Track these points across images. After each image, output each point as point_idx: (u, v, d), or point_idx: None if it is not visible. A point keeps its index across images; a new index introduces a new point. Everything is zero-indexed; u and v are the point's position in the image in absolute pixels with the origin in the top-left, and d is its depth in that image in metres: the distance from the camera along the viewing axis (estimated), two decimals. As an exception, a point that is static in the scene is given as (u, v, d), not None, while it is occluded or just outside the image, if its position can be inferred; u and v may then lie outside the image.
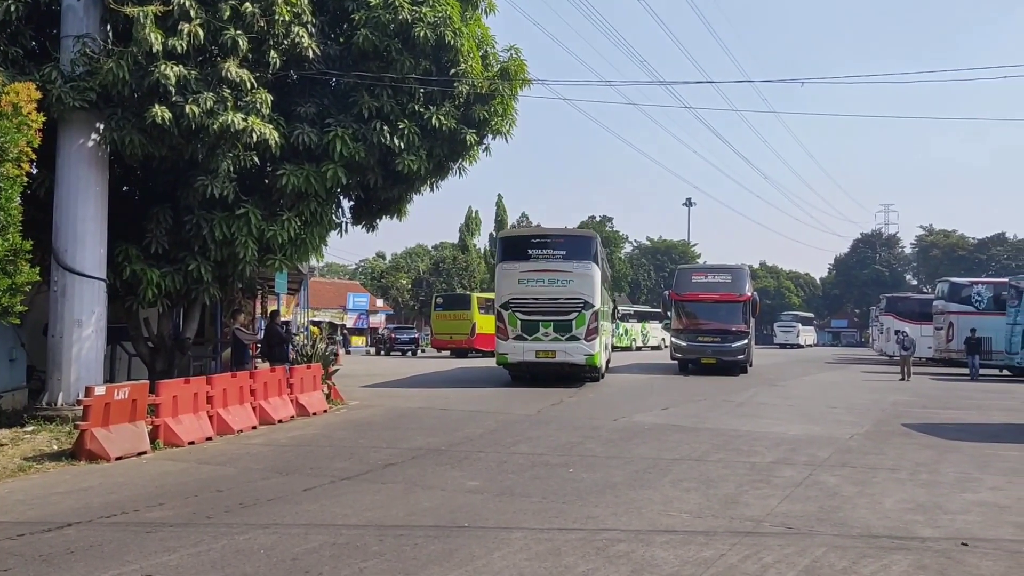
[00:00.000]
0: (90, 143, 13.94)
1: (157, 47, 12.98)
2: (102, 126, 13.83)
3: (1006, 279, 36.87)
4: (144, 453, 11.53)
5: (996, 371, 33.78)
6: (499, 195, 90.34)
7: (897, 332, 37.00)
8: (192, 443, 12.49)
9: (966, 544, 7.11)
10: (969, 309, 36.95)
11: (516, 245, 24.61)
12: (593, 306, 23.15)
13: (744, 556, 6.63)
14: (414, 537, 7.14)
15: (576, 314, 23.00)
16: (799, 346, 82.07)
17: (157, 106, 13.10)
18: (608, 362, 29.15)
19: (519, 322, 23.19)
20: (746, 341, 30.44)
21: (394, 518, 7.89)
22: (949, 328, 37.67)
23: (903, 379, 29.41)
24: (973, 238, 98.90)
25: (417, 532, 7.33)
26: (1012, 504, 8.80)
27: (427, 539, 7.09)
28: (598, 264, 23.95)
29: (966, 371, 31.89)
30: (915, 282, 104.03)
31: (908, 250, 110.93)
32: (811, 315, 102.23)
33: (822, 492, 9.28)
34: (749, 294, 30.90)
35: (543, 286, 23.17)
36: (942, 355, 38.98)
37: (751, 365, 32.63)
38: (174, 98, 13.27)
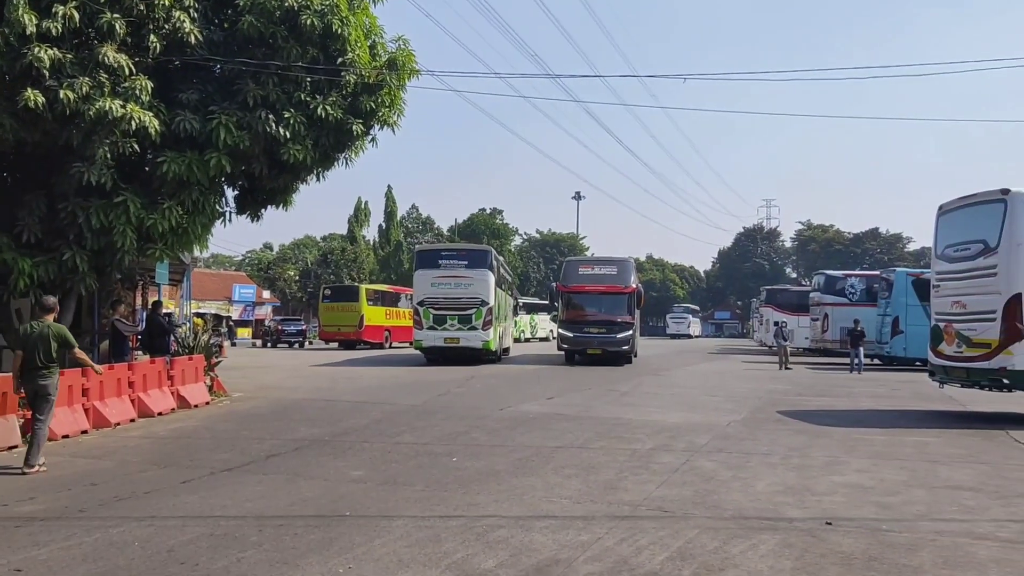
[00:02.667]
0: (-42, 126, 13.29)
1: (31, 29, 12.52)
2: (-30, 109, 13.21)
3: (878, 272, 38.72)
4: (15, 447, 11.11)
5: (867, 360, 35.36)
6: (388, 186, 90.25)
7: (776, 323, 38.39)
8: (66, 437, 12.11)
9: (830, 523, 7.41)
10: (843, 301, 38.56)
11: (429, 257, 31.30)
12: (488, 304, 29.55)
13: (620, 539, 6.82)
14: (294, 527, 7.12)
15: (475, 310, 29.45)
16: (690, 336, 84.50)
17: (30, 90, 12.63)
18: (508, 350, 36.54)
19: (431, 316, 29.70)
20: (631, 332, 31.11)
21: (275, 508, 7.84)
22: (824, 319, 39.29)
23: (781, 368, 30.48)
24: (849, 233, 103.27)
25: (298, 522, 7.31)
26: (875, 485, 9.22)
27: (308, 528, 7.08)
28: (493, 272, 30.35)
29: (842, 360, 32.81)
30: (794, 275, 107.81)
31: (788, 244, 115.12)
32: (697, 307, 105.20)
33: (698, 477, 9.57)
34: (634, 286, 31.61)
35: (450, 288, 29.70)
36: (818, 345, 40.67)
37: (636, 355, 33.40)
38: (48, 82, 12.81)
